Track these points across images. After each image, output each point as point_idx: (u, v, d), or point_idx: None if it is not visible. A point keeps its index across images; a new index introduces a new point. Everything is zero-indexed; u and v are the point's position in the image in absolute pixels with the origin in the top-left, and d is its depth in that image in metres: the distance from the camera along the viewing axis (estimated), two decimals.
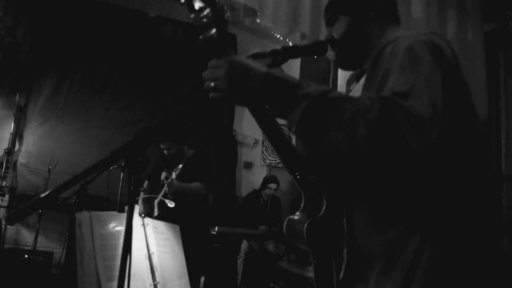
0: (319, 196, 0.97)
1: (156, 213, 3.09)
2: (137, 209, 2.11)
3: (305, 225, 0.93)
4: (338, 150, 0.77)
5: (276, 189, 4.75)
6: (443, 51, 0.86)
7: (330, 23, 1.14)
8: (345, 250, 0.94)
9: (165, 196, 3.06)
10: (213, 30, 0.83)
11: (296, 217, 1.01)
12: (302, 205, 1.02)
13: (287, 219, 1.02)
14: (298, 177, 1.01)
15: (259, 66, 0.85)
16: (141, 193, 3.26)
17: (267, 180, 4.78)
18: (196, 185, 3.06)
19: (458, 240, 0.82)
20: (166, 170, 3.13)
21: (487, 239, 0.86)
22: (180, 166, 3.05)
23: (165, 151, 3.23)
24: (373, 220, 0.91)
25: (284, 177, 5.53)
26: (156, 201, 3.14)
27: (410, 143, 0.72)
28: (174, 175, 3.02)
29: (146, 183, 3.37)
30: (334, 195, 0.96)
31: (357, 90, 1.06)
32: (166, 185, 2.98)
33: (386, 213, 0.89)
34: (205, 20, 0.82)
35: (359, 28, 1.09)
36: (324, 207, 0.94)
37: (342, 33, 1.10)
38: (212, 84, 0.84)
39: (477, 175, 0.89)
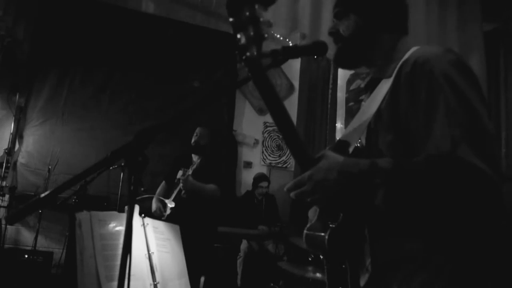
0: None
1: (168, 210, 3.08)
2: (137, 209, 2.10)
3: (327, 235, 0.94)
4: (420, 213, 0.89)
5: (267, 187, 4.71)
6: (470, 69, 0.91)
7: (338, 17, 1.12)
8: (369, 260, 0.96)
9: (178, 195, 3.06)
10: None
11: (313, 225, 1.02)
12: (317, 213, 1.02)
13: (306, 228, 1.02)
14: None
15: (332, 169, 0.89)
16: (157, 191, 3.29)
17: (257, 180, 4.73)
18: (211, 186, 3.04)
19: (477, 260, 0.88)
20: (183, 169, 3.12)
21: (501, 257, 0.91)
22: (198, 160, 3.03)
23: (195, 137, 3.21)
24: (399, 230, 0.94)
25: (284, 177, 5.53)
26: (168, 201, 3.13)
27: (477, 185, 0.80)
28: (190, 171, 3.01)
29: (163, 183, 3.37)
30: (352, 205, 0.98)
31: (370, 102, 1.05)
32: (181, 181, 2.97)
33: (416, 227, 0.93)
34: None
35: (368, 33, 1.08)
36: (341, 216, 0.96)
37: (350, 32, 1.09)
38: (308, 199, 0.92)
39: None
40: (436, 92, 0.87)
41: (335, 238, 0.94)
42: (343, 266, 0.96)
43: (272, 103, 0.94)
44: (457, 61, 0.90)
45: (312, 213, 1.14)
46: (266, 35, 0.93)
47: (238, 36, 0.91)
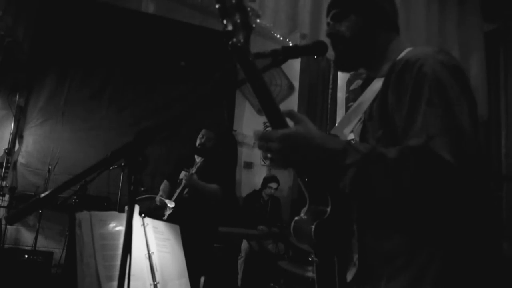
0: (323, 197, 0.99)
1: (169, 210, 3.09)
2: (137, 209, 2.10)
3: (313, 226, 0.94)
4: (387, 202, 0.88)
5: (276, 189, 4.75)
6: (461, 70, 0.92)
7: (337, 19, 1.12)
8: (356, 256, 0.95)
9: (180, 195, 3.06)
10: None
11: (302, 218, 1.02)
12: (306, 206, 1.03)
13: (294, 220, 1.03)
14: (306, 180, 1.02)
15: (308, 138, 0.88)
16: (161, 187, 3.30)
17: (267, 180, 4.79)
18: (213, 186, 3.04)
19: (464, 255, 0.88)
20: (185, 169, 3.13)
21: (489, 253, 0.91)
22: (202, 160, 3.04)
23: (201, 139, 3.19)
24: (387, 227, 0.94)
25: (284, 178, 5.53)
26: (169, 201, 3.13)
27: (447, 181, 0.80)
28: (194, 169, 3.01)
29: (165, 183, 3.37)
30: (340, 198, 0.98)
31: (362, 100, 1.06)
32: (185, 178, 2.97)
33: (403, 222, 0.92)
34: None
35: (368, 34, 1.09)
36: (329, 209, 0.96)
37: (351, 34, 1.09)
38: (268, 155, 0.91)
39: (480, 189, 0.93)
40: (421, 88, 0.88)
41: (322, 230, 0.94)
42: (331, 260, 0.96)
43: (259, 91, 0.94)
44: (447, 62, 0.91)
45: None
46: (254, 25, 0.94)
47: (225, 22, 0.93)
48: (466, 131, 0.83)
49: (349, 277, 0.96)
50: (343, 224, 0.97)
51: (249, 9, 0.93)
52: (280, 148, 0.87)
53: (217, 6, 0.92)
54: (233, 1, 0.92)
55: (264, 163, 5.58)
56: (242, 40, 0.92)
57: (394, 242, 0.92)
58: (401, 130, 0.90)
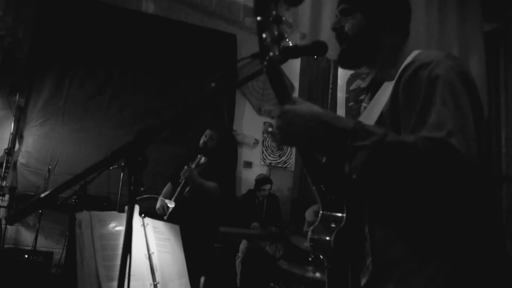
0: (336, 205, 0.99)
1: (170, 208, 3.09)
2: (137, 209, 2.10)
3: (332, 239, 0.94)
4: (397, 190, 0.86)
5: (270, 189, 4.70)
6: (469, 77, 0.93)
7: (344, 14, 1.12)
8: (369, 259, 0.96)
9: (180, 195, 3.07)
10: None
11: (317, 228, 1.02)
12: (320, 215, 1.03)
13: (309, 231, 1.02)
14: (323, 189, 1.02)
15: (313, 114, 0.86)
16: (163, 191, 3.31)
17: (260, 182, 4.71)
18: (211, 184, 3.05)
19: (472, 259, 0.88)
20: (187, 165, 3.14)
21: (496, 256, 0.91)
22: (204, 158, 3.05)
23: (204, 138, 3.22)
24: (398, 231, 0.95)
25: (284, 177, 5.53)
26: (169, 201, 3.13)
27: (461, 176, 0.81)
28: (194, 165, 3.04)
29: (169, 184, 3.37)
30: (354, 205, 0.98)
31: (374, 105, 1.06)
32: (185, 172, 2.97)
33: (412, 229, 0.93)
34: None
35: (373, 34, 1.09)
36: (344, 217, 0.96)
37: (356, 32, 1.09)
38: (270, 129, 0.90)
39: (483, 190, 0.93)
40: (435, 88, 0.88)
41: (340, 241, 0.95)
42: (345, 266, 0.97)
43: (283, 102, 0.93)
44: (457, 68, 0.92)
45: (309, 214, 1.14)
46: (286, 35, 0.90)
47: (264, 36, 0.88)
48: (474, 135, 0.85)
49: (363, 281, 0.96)
50: (356, 229, 0.97)
51: (283, 19, 0.89)
52: (279, 124, 0.87)
53: (258, 18, 0.88)
54: (274, 13, 0.88)
55: (264, 163, 5.58)
56: (276, 53, 0.88)
57: (403, 247, 0.93)
58: (412, 124, 0.89)
